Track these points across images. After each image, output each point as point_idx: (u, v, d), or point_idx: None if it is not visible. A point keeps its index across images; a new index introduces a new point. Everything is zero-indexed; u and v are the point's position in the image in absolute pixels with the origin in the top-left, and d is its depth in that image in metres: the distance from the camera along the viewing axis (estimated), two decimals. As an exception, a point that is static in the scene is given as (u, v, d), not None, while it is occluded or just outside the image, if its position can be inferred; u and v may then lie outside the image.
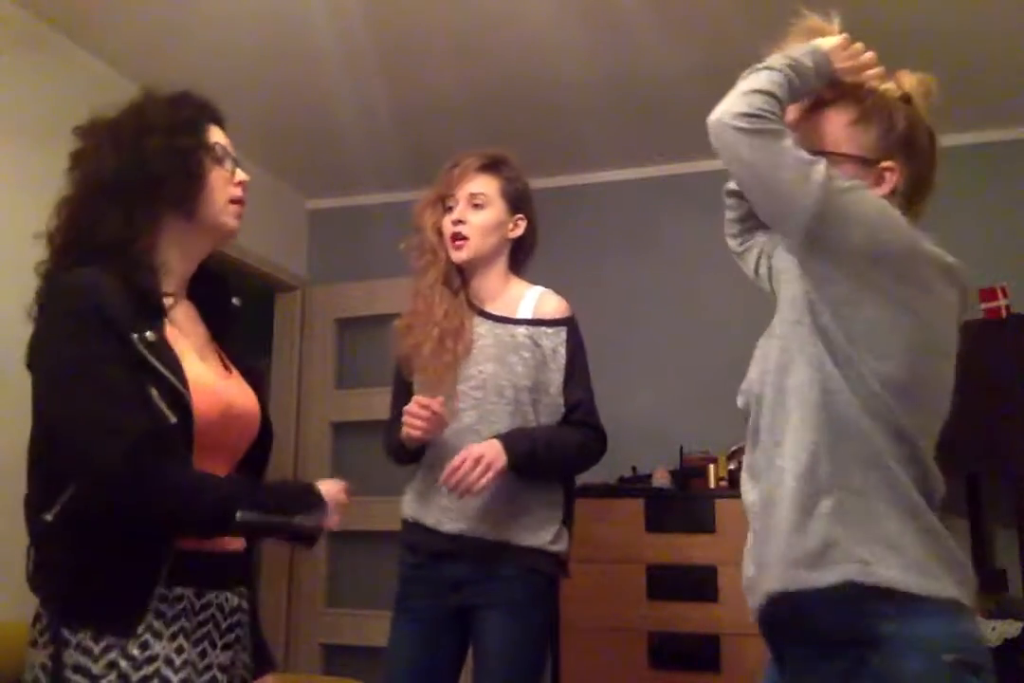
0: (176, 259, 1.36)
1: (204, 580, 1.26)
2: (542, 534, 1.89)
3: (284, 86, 3.24)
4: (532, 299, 2.00)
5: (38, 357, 1.25)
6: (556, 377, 1.93)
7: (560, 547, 1.92)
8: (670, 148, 3.81)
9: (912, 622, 1.18)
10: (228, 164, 1.40)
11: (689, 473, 3.30)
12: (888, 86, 1.43)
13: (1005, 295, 3.03)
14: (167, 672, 1.19)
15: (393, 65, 3.12)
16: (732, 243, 1.65)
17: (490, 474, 1.77)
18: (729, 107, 1.29)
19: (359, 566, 4.02)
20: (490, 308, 2.00)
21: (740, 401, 1.44)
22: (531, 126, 3.54)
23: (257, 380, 1.45)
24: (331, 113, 3.46)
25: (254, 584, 1.43)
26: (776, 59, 1.35)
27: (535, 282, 2.10)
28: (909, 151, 1.38)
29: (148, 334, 1.22)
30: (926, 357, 1.27)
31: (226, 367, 1.41)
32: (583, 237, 3.87)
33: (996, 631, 2.81)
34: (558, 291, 2.10)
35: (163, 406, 1.20)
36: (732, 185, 1.59)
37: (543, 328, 1.96)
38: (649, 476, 3.39)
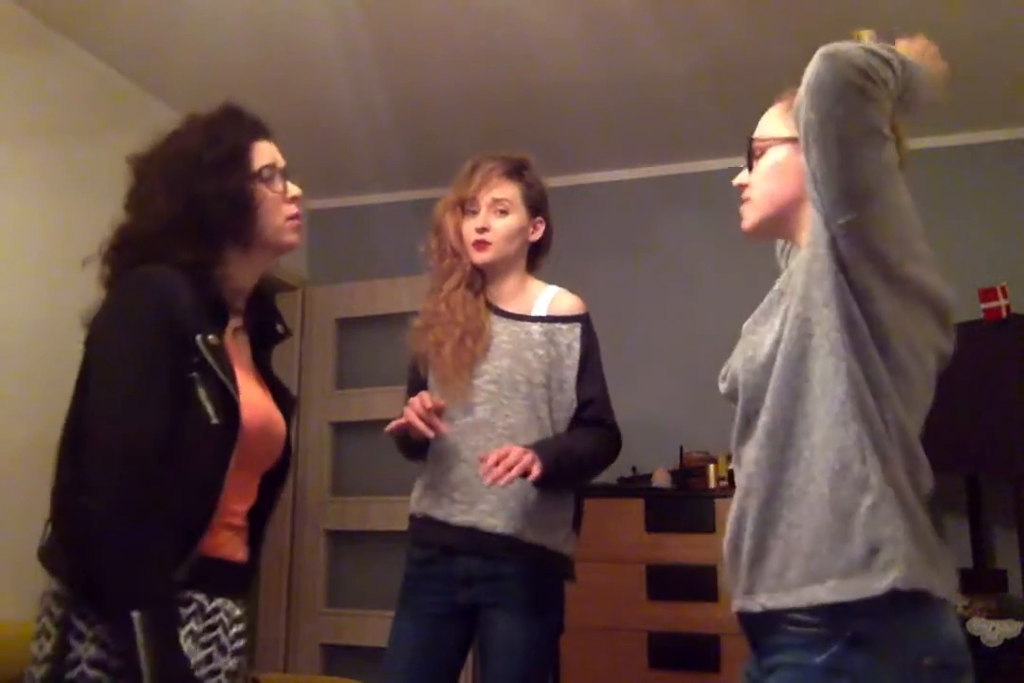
0: (239, 277, 1.40)
1: (214, 587, 1.28)
2: (557, 534, 1.90)
3: (284, 86, 3.24)
4: (547, 297, 2.03)
5: (96, 341, 1.28)
6: (571, 373, 1.95)
7: (570, 550, 1.94)
8: (668, 148, 3.82)
9: (895, 623, 1.15)
10: (278, 183, 1.41)
11: (689, 473, 3.30)
12: None
13: (1005, 295, 3.03)
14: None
15: (393, 65, 3.12)
16: None
17: (536, 471, 1.76)
18: (850, 53, 1.17)
19: (359, 566, 4.02)
20: (505, 306, 2.01)
21: (722, 387, 1.39)
22: (530, 126, 3.54)
23: (289, 407, 1.47)
24: (331, 113, 3.46)
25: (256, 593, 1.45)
26: (903, 55, 1.26)
27: (535, 281, 2.11)
28: None
29: (211, 337, 1.26)
30: (919, 355, 1.25)
31: (263, 390, 1.43)
32: (581, 237, 3.86)
33: (996, 631, 2.81)
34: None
35: (209, 407, 1.23)
36: None
37: (558, 325, 1.97)
38: (649, 476, 3.40)
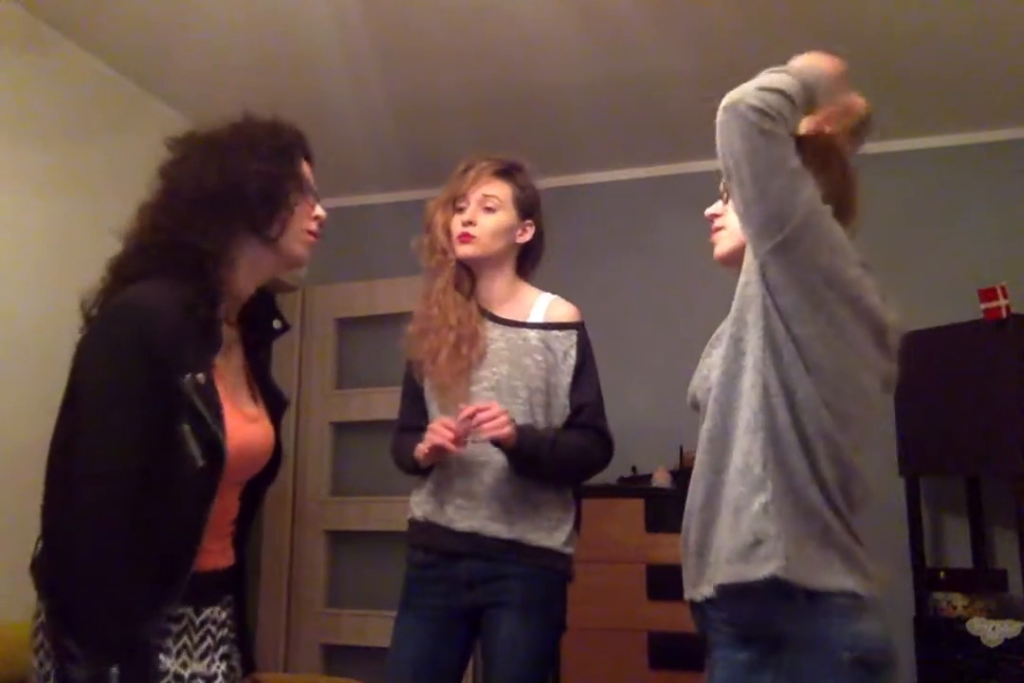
0: (242, 281, 1.39)
1: (202, 599, 1.29)
2: (557, 535, 1.91)
3: (284, 86, 3.24)
4: (543, 304, 2.03)
5: (80, 369, 1.25)
6: (566, 380, 1.96)
7: (572, 550, 1.94)
8: (665, 149, 3.82)
9: (812, 621, 1.25)
10: (311, 198, 1.44)
11: (689, 473, 3.28)
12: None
13: (1005, 295, 3.02)
14: None
15: (393, 65, 3.12)
16: None
17: (505, 431, 1.80)
18: (746, 98, 1.29)
19: (358, 566, 4.02)
20: (499, 312, 2.01)
21: (688, 399, 1.55)
22: (529, 126, 3.55)
23: (279, 410, 1.46)
24: (331, 113, 3.46)
25: (245, 593, 1.44)
26: (796, 68, 1.36)
27: (532, 283, 2.11)
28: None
29: (200, 376, 1.22)
30: (853, 378, 1.34)
31: (253, 396, 1.42)
32: (579, 237, 3.86)
33: (996, 631, 2.81)
34: (554, 292, 2.11)
35: (195, 450, 1.21)
36: None
37: (554, 332, 1.98)
38: (649, 476, 3.40)
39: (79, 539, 1.15)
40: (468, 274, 2.01)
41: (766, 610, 1.27)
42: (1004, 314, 3.01)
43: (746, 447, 1.31)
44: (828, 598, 1.25)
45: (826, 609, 1.25)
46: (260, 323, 1.48)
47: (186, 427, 1.20)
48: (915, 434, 3.13)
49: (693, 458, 3.79)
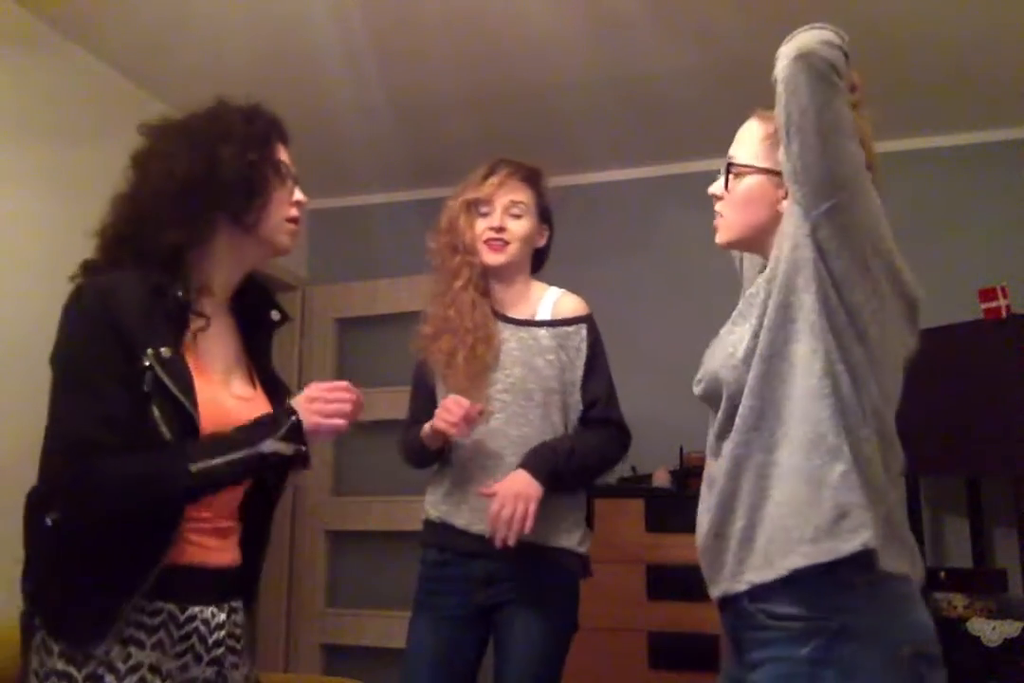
0: (224, 269, 1.38)
1: (187, 595, 1.26)
2: (572, 536, 1.92)
3: (284, 86, 3.23)
4: (551, 300, 2.04)
5: (53, 356, 1.26)
6: (580, 374, 1.96)
7: (585, 549, 1.95)
8: (668, 148, 3.82)
9: (871, 611, 1.19)
10: (289, 183, 1.42)
11: (689, 473, 3.30)
12: None
13: (1005, 295, 3.02)
14: (154, 680, 1.19)
15: (393, 65, 3.12)
16: None
17: (533, 507, 1.78)
18: (819, 51, 1.23)
19: (359, 566, 4.02)
20: (511, 313, 2.02)
21: (698, 390, 1.44)
22: (530, 126, 3.55)
23: (280, 397, 1.44)
24: (331, 113, 3.46)
25: (251, 598, 1.43)
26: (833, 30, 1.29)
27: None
28: None
29: (163, 350, 1.22)
30: (892, 349, 1.30)
31: (252, 384, 1.42)
32: (578, 238, 3.85)
33: (996, 631, 2.81)
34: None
35: (161, 424, 1.20)
36: None
37: (564, 328, 1.98)
38: (649, 476, 3.40)
39: (53, 517, 1.16)
40: (483, 275, 2.02)
41: (824, 597, 1.20)
42: (1004, 314, 3.01)
43: (815, 416, 1.23)
44: (886, 583, 1.20)
45: (884, 596, 1.20)
46: (257, 313, 1.48)
47: (153, 400, 1.20)
48: (915, 434, 3.12)
49: (693, 458, 3.79)
